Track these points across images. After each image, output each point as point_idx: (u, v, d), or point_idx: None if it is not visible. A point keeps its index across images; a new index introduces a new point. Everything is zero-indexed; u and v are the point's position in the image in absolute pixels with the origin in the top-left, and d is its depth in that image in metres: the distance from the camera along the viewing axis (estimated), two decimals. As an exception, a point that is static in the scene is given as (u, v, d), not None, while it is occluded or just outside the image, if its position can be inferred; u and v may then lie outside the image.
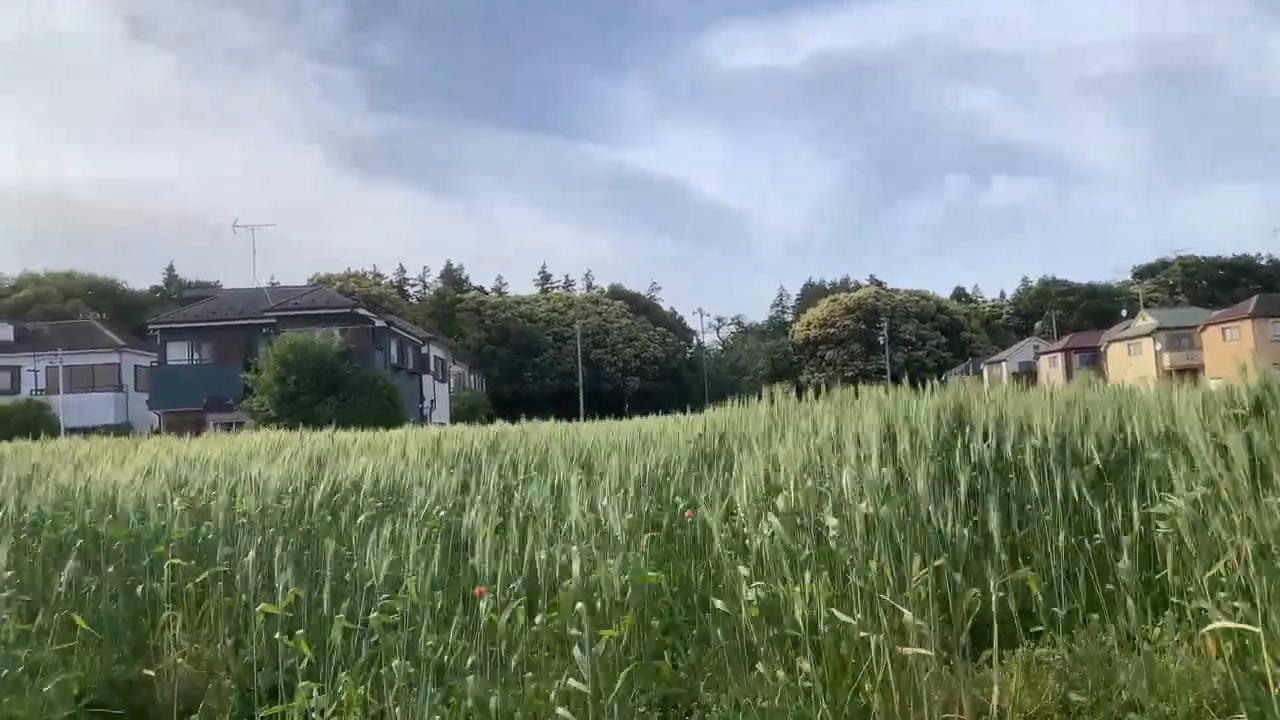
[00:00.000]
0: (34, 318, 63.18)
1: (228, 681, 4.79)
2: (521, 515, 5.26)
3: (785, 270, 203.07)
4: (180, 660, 4.85)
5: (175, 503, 5.96)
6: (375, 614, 3.96)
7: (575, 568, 3.81)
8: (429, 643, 3.87)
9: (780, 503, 4.36)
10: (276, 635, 4.18)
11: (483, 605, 3.81)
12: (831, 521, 4.06)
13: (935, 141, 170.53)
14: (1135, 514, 4.52)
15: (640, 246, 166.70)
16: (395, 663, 3.80)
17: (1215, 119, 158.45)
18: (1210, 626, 3.39)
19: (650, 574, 4.39)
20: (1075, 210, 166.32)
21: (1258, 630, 3.13)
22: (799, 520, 4.20)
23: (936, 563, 3.81)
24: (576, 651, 3.61)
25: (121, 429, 29.21)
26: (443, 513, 5.68)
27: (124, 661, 5.10)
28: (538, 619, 4.06)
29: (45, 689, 4.13)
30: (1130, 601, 4.01)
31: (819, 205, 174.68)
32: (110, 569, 5.47)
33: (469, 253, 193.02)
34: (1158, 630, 4.04)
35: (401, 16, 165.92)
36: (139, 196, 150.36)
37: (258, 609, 4.29)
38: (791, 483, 4.53)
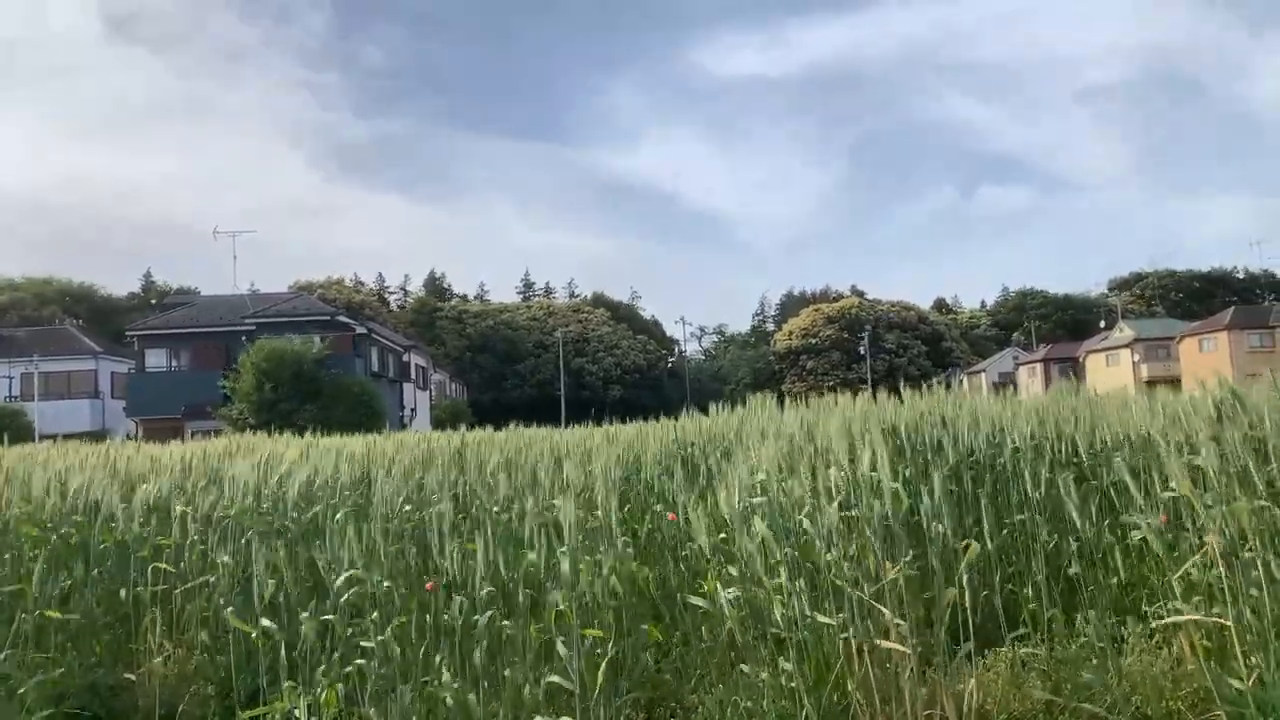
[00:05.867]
0: (10, 323, 62.49)
1: (208, 687, 4.75)
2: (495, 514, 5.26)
3: (771, 278, 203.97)
4: (160, 664, 4.81)
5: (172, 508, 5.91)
6: (337, 615, 3.95)
7: (564, 566, 3.81)
8: (395, 642, 3.84)
9: (762, 503, 4.37)
10: (253, 635, 4.15)
11: (454, 605, 3.80)
12: (807, 524, 4.08)
13: (924, 150, 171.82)
14: (1108, 519, 4.56)
15: (628, 252, 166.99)
16: (365, 662, 3.78)
17: (1204, 131, 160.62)
18: (1183, 618, 3.43)
19: (636, 567, 4.39)
20: (1062, 220, 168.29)
21: (1230, 624, 3.17)
22: (780, 521, 4.22)
23: (906, 559, 3.82)
24: (562, 649, 3.60)
25: (98, 436, 28.89)
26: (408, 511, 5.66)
27: (103, 665, 5.05)
28: (513, 620, 4.05)
29: (23, 691, 4.09)
30: (1107, 603, 4.06)
31: (807, 214, 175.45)
32: (94, 572, 5.42)
33: (455, 257, 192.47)
34: (1134, 632, 4.09)
35: (391, 21, 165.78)
36: (118, 200, 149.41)
37: (227, 611, 4.26)
38: (773, 484, 4.54)
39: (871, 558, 3.86)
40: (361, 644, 3.91)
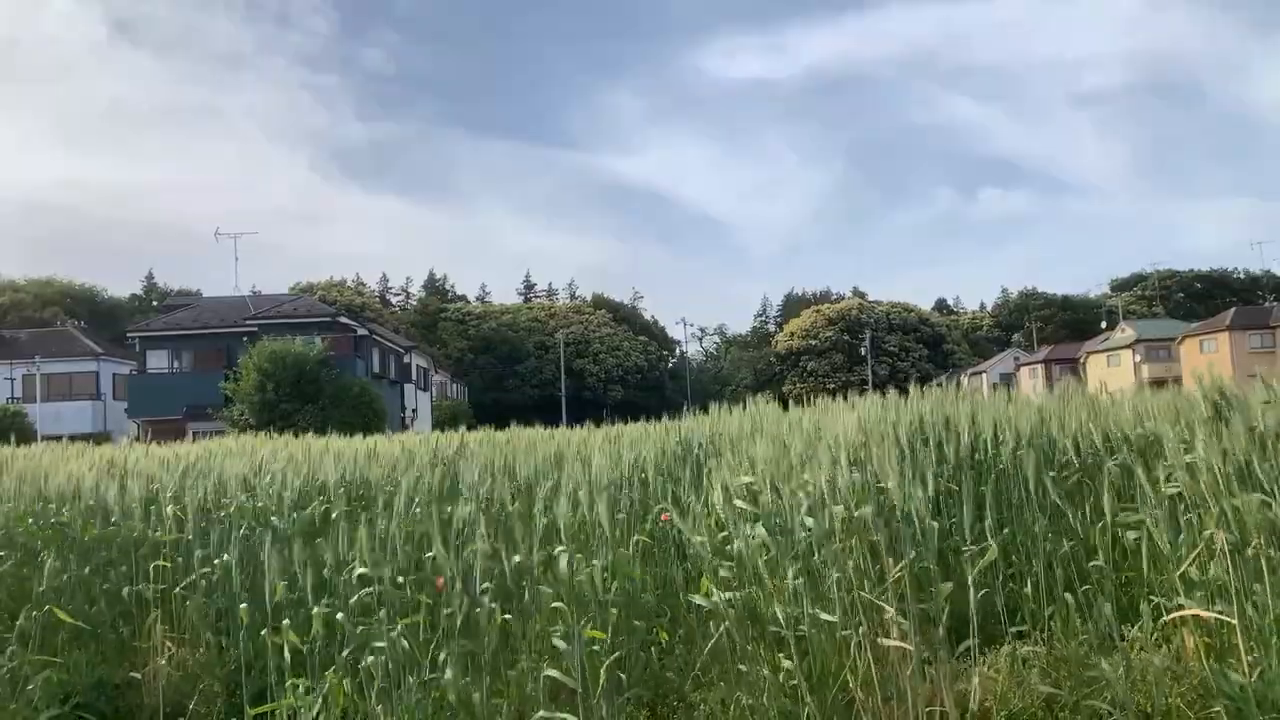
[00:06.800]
0: (11, 325, 62.56)
1: (214, 685, 4.77)
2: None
3: (772, 280, 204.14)
4: (166, 663, 4.83)
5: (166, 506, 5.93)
6: (351, 608, 3.97)
7: (562, 563, 3.83)
8: (403, 639, 3.85)
9: (758, 504, 4.39)
10: (263, 633, 4.17)
11: (458, 600, 3.82)
12: (809, 521, 4.09)
13: (925, 153, 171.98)
14: (1108, 515, 4.57)
15: (629, 254, 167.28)
16: (373, 659, 3.80)
17: (1204, 133, 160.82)
18: (1184, 612, 3.44)
19: (634, 570, 4.41)
20: (1061, 222, 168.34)
21: (1233, 621, 3.18)
22: (776, 521, 4.24)
23: (910, 558, 3.84)
24: (563, 644, 3.62)
25: (100, 437, 28.91)
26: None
27: (109, 664, 5.07)
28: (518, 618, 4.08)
29: (30, 689, 4.11)
30: (1106, 600, 4.07)
31: (807, 216, 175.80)
32: (88, 570, 5.44)
33: (457, 259, 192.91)
34: (1135, 629, 4.10)
35: (391, 23, 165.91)
36: (120, 202, 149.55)
37: (242, 606, 4.28)
38: (767, 484, 4.56)
39: (873, 555, 3.88)
40: (371, 642, 3.93)
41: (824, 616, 3.80)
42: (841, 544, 3.97)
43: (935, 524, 3.90)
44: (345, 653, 3.99)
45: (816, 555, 4.05)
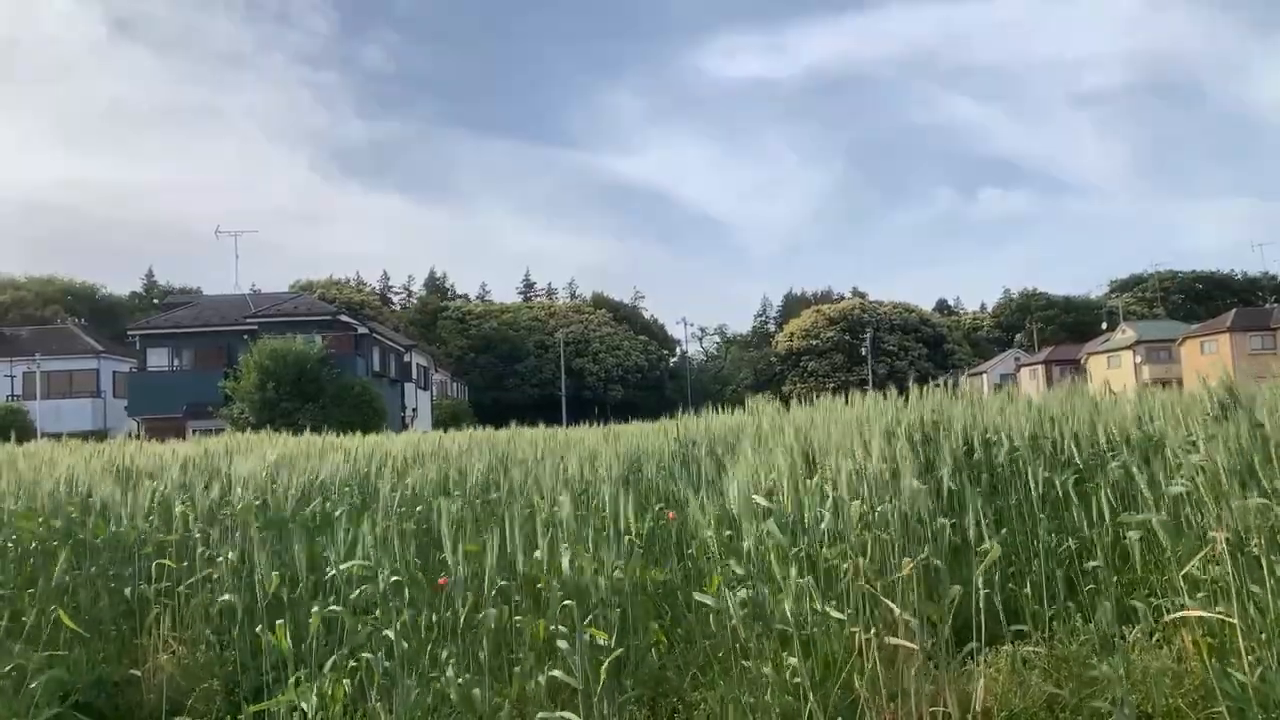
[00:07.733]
0: (12, 322, 62.60)
1: (215, 683, 4.77)
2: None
3: (773, 280, 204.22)
4: (166, 660, 4.83)
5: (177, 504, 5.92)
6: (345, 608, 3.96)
7: (564, 562, 3.82)
8: (404, 637, 3.85)
9: (769, 502, 4.39)
10: (259, 630, 4.16)
11: (459, 601, 3.82)
12: (827, 517, 4.10)
13: (925, 153, 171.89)
14: (1108, 515, 4.57)
15: (629, 254, 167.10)
16: (371, 656, 3.79)
17: (1204, 134, 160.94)
18: (1186, 613, 3.45)
19: (648, 570, 4.40)
20: (1061, 222, 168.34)
21: (1234, 621, 3.18)
22: (789, 518, 4.24)
23: (922, 557, 3.84)
24: (564, 645, 3.62)
25: (100, 435, 28.89)
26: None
27: (109, 661, 5.07)
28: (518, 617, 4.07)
29: (31, 687, 4.10)
30: (1107, 601, 4.07)
31: (807, 216, 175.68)
32: (93, 569, 5.44)
33: (457, 258, 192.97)
34: (1135, 630, 4.10)
35: (391, 23, 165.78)
36: (120, 201, 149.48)
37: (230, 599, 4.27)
38: (785, 481, 4.56)
39: (883, 553, 3.88)
40: (369, 638, 3.93)
41: (834, 615, 3.80)
42: (856, 540, 3.96)
43: (946, 522, 3.91)
44: (340, 650, 3.99)
45: (829, 551, 4.05)
